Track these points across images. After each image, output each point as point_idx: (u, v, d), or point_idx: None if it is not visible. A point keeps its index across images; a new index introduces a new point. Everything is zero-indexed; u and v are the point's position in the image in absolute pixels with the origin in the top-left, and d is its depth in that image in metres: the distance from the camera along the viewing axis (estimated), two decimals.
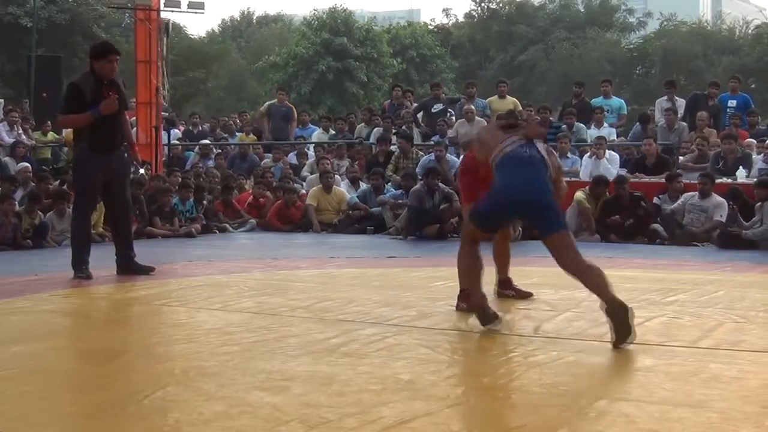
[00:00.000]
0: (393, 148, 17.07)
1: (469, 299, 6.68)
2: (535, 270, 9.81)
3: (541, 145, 6.62)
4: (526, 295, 7.69)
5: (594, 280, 6.07)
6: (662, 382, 5.02)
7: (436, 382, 4.89)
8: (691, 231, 13.10)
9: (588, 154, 15.64)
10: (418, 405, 4.42)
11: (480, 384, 4.90)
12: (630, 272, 7.69)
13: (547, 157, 6.56)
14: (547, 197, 6.31)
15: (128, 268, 9.47)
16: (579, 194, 13.82)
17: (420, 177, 14.76)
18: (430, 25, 58.63)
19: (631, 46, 54.80)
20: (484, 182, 6.80)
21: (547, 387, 4.82)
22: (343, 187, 16.03)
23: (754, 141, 15.55)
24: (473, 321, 6.49)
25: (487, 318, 6.35)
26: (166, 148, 17.96)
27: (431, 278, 9.05)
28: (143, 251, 12.40)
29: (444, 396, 4.62)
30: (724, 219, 12.83)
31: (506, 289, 7.76)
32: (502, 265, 7.78)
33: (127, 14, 31.26)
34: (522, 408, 4.44)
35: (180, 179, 15.65)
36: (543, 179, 6.41)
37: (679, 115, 16.51)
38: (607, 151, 15.50)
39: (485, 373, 5.12)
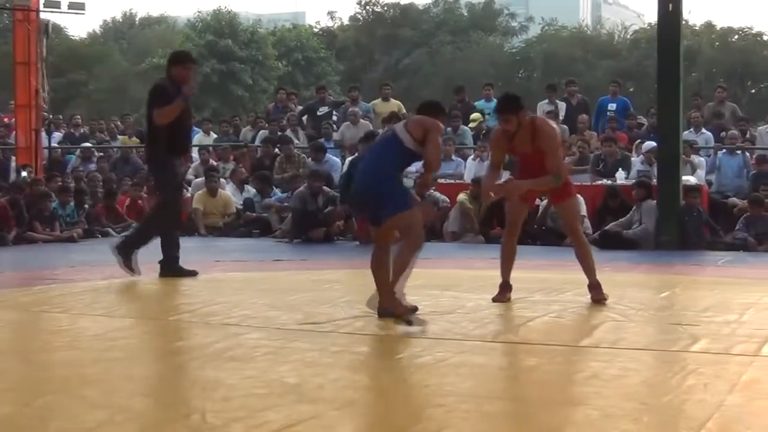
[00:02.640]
0: (278, 151, 17.00)
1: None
2: (421, 272, 9.88)
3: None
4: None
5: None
6: (545, 381, 5.11)
7: (322, 384, 4.88)
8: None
9: (471, 156, 15.82)
10: (304, 408, 4.42)
11: (366, 386, 4.91)
12: (513, 273, 7.78)
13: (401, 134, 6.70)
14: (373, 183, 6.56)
15: (172, 270, 9.42)
16: (462, 196, 13.99)
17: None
18: (315, 27, 58.62)
19: (514, 50, 55.61)
20: None
21: (432, 388, 4.86)
22: (228, 190, 15.91)
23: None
24: (359, 324, 6.52)
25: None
26: (46, 151, 17.59)
27: (317, 281, 9.05)
28: (23, 257, 12.17)
29: (330, 399, 4.62)
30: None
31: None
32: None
33: (6, 15, 30.52)
34: (408, 409, 4.47)
35: (60, 183, 15.34)
36: (378, 165, 6.62)
37: (560, 118, 16.79)
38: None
39: (372, 376, 5.14)
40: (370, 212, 6.83)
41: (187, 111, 9.59)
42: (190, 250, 12.91)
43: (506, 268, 7.77)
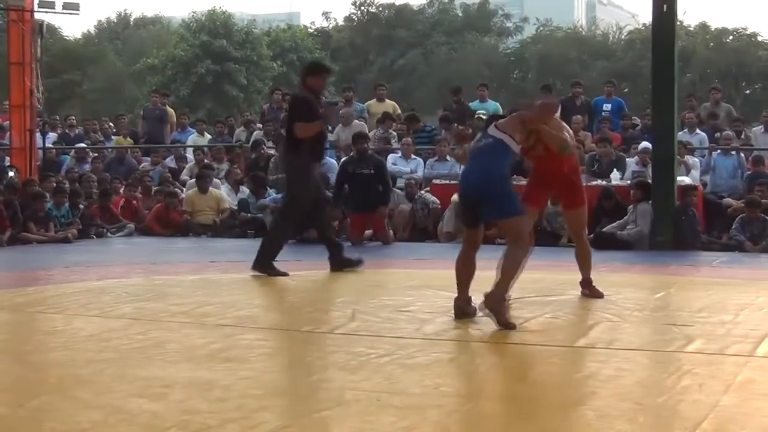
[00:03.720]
0: (272, 151, 16.97)
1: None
2: (416, 272, 9.90)
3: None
4: None
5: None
6: (540, 382, 5.11)
7: (317, 385, 4.88)
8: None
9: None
10: (299, 409, 4.42)
11: (361, 386, 4.90)
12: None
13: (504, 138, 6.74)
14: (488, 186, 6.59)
15: (339, 262, 9.86)
16: (456, 196, 13.98)
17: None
18: (310, 28, 58.60)
19: (509, 50, 55.65)
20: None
21: (428, 388, 4.86)
22: (223, 191, 15.88)
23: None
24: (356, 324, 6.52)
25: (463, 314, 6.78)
26: (41, 151, 17.56)
27: (312, 282, 9.05)
28: (18, 257, 12.15)
29: (326, 399, 4.62)
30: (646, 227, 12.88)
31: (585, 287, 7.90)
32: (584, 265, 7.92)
33: (0, 15, 30.50)
34: (403, 410, 4.46)
35: (55, 184, 15.31)
36: (487, 168, 6.66)
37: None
38: None
39: (367, 376, 5.13)
40: (475, 213, 6.89)
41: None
42: (185, 251, 12.95)
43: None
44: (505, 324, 6.42)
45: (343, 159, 14.86)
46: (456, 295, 6.89)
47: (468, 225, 6.97)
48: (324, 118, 9.84)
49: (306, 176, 9.78)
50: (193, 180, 16.09)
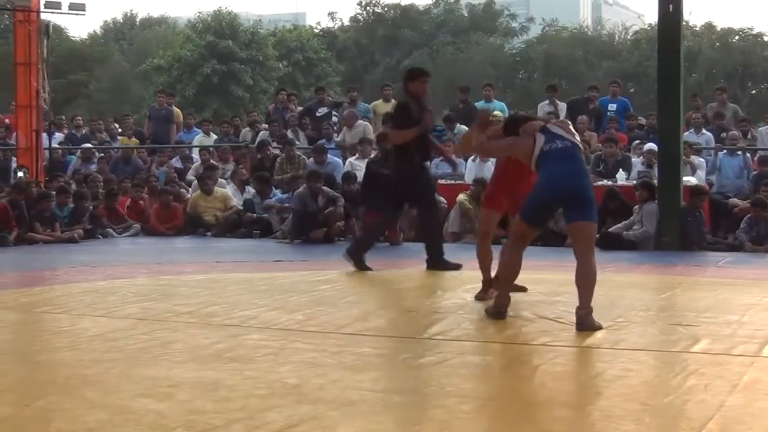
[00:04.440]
0: (277, 152, 16.98)
1: (496, 297, 6.93)
2: (422, 273, 9.90)
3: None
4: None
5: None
6: (546, 382, 5.10)
7: (323, 385, 4.89)
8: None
9: (472, 157, 15.79)
10: (305, 409, 4.42)
11: (367, 387, 4.91)
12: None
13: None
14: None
15: (437, 264, 9.94)
16: (462, 196, 14.01)
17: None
18: (316, 28, 58.57)
19: (514, 50, 55.57)
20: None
21: (433, 388, 4.86)
22: (229, 191, 15.90)
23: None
24: (361, 324, 6.52)
25: (500, 315, 6.81)
26: (47, 152, 17.57)
27: (318, 282, 9.05)
28: (24, 257, 12.17)
29: (331, 399, 4.62)
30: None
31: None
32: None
33: (6, 15, 30.51)
34: (409, 410, 4.46)
35: (60, 184, 15.34)
36: (583, 170, 6.81)
37: (560, 119, 16.77)
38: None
39: (373, 377, 5.14)
40: (552, 213, 7.04)
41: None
42: (190, 251, 12.96)
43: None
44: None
45: (359, 159, 14.93)
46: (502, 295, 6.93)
47: (538, 224, 6.97)
48: (420, 124, 9.89)
49: (419, 178, 10.06)
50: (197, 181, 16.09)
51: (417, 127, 9.86)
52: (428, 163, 10.89)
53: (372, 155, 14.73)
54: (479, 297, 7.70)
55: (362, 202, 13.80)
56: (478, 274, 7.89)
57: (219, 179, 16.12)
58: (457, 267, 9.87)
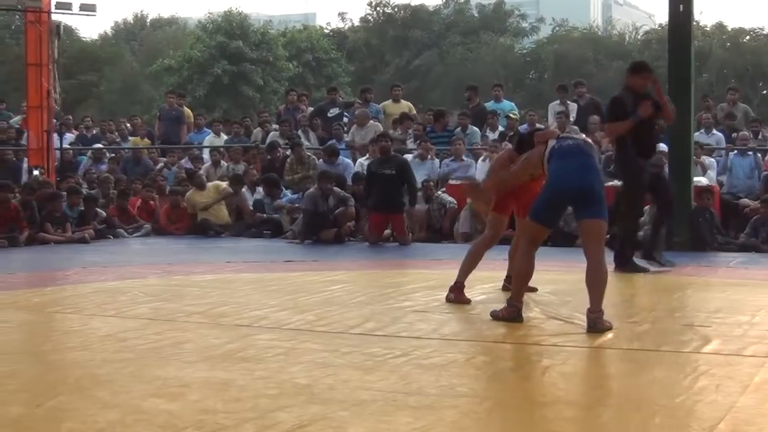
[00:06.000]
0: (288, 152, 16.99)
1: (508, 303, 6.88)
2: (432, 273, 9.90)
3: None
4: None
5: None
6: (557, 383, 5.10)
7: (333, 385, 4.89)
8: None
9: (482, 157, 15.78)
10: (315, 409, 4.43)
11: (377, 387, 4.91)
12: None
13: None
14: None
15: (626, 266, 9.92)
16: None
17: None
18: (326, 29, 58.65)
19: (524, 51, 55.53)
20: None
21: (443, 389, 4.86)
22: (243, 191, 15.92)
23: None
24: (369, 325, 6.52)
25: (515, 319, 6.75)
26: (58, 152, 17.62)
27: (328, 282, 9.05)
28: (35, 257, 12.21)
29: (341, 399, 4.62)
30: None
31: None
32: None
33: (18, 16, 30.58)
34: (419, 410, 4.47)
35: (71, 184, 15.39)
36: (595, 166, 6.80)
37: (571, 119, 16.75)
38: None
39: (382, 376, 5.14)
40: (563, 210, 7.00)
41: (649, 122, 10.03)
42: (201, 251, 12.97)
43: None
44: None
45: (369, 160, 14.92)
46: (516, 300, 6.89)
47: (550, 224, 6.95)
48: (637, 114, 9.82)
49: (632, 170, 10.03)
50: (211, 184, 16.11)
51: (630, 120, 9.82)
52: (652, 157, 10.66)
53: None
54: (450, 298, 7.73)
55: (364, 203, 13.87)
56: (488, 275, 7.89)
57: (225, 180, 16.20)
58: (645, 270, 9.93)
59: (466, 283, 7.73)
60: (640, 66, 10.45)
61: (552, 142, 6.78)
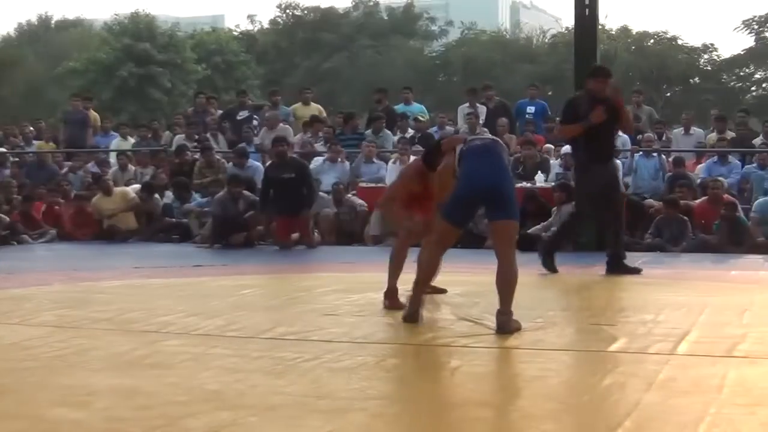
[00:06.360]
0: (197, 155, 16.83)
1: (409, 299, 6.86)
2: (343, 276, 9.91)
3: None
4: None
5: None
6: (467, 383, 5.14)
7: (243, 391, 4.86)
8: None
9: (392, 160, 15.82)
10: (225, 415, 4.39)
11: (287, 391, 4.89)
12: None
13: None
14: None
15: (617, 268, 9.91)
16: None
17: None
18: (235, 31, 58.31)
19: (434, 54, 55.84)
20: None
21: (353, 392, 4.86)
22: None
23: (552, 146, 16.06)
24: (284, 329, 6.50)
25: (413, 318, 6.73)
26: None
27: (238, 287, 9.00)
28: None
29: (251, 405, 4.60)
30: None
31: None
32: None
33: None
34: (330, 414, 4.46)
35: None
36: (503, 167, 6.76)
37: (481, 122, 16.88)
38: (412, 157, 15.67)
39: (293, 381, 5.12)
40: (474, 211, 6.98)
41: (607, 125, 9.95)
42: (108, 256, 12.80)
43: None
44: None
45: (267, 164, 14.79)
46: (412, 295, 6.88)
47: (460, 224, 6.92)
48: (588, 119, 9.80)
49: (585, 175, 10.08)
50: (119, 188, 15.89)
51: (580, 124, 9.86)
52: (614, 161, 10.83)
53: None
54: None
55: (261, 207, 13.72)
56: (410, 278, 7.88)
57: (133, 183, 15.99)
58: (637, 271, 9.93)
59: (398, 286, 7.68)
60: (597, 70, 10.49)
61: (460, 146, 6.82)
